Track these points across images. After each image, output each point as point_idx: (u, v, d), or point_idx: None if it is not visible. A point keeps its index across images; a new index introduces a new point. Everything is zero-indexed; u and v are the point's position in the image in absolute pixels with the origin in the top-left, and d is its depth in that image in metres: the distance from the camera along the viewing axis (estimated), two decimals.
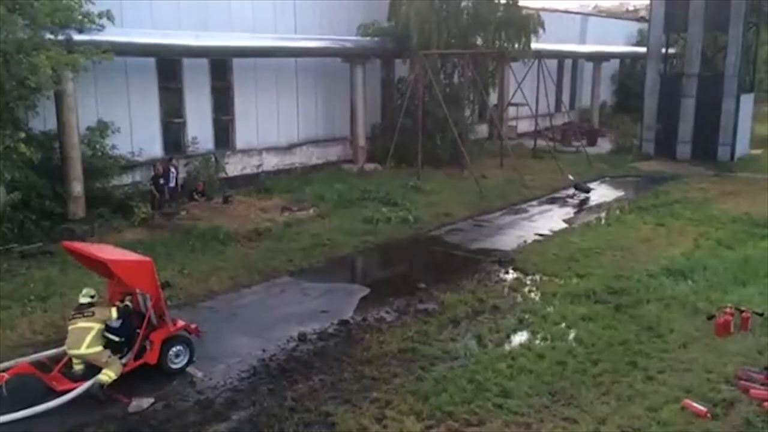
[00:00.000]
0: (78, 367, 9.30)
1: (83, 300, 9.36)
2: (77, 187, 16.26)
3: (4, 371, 8.93)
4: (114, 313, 9.36)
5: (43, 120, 16.10)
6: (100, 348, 9.12)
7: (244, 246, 15.62)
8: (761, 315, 11.05)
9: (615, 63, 41.07)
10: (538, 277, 13.93)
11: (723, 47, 29.28)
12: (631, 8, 51.21)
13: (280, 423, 8.33)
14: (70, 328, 9.22)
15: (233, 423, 8.42)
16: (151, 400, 8.88)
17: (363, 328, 11.29)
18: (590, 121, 37.21)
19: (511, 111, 31.04)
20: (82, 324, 9.12)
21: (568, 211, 20.50)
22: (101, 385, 8.86)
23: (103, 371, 8.95)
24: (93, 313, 9.19)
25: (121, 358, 9.29)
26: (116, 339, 9.39)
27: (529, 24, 26.59)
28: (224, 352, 10.38)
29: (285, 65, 22.33)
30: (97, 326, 9.15)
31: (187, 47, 18.82)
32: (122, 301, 9.68)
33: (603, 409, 8.63)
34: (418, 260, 16.04)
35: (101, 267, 9.58)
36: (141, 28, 17.95)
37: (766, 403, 8.63)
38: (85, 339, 9.04)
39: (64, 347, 9.30)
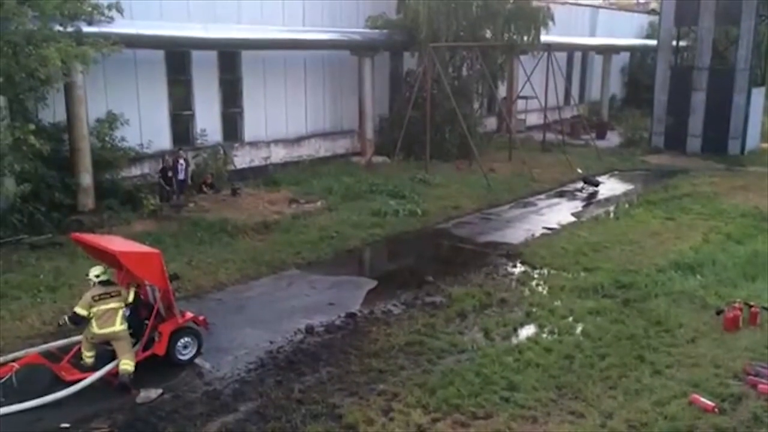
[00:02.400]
0: (89, 360, 9.34)
1: (104, 277, 9.37)
2: (86, 179, 16.34)
3: (13, 361, 8.99)
4: (132, 295, 9.44)
5: (53, 112, 16.15)
6: (126, 326, 9.28)
7: (252, 238, 15.65)
8: None
9: (625, 56, 40.83)
10: (545, 271, 13.90)
11: (734, 40, 29.04)
12: (641, 1, 50.79)
13: (288, 415, 8.36)
14: (101, 308, 9.17)
15: (241, 414, 8.46)
16: (160, 391, 8.93)
17: (370, 321, 11.31)
18: (600, 115, 37.01)
19: (520, 104, 30.90)
20: (113, 304, 9.23)
21: (577, 205, 20.45)
22: (129, 375, 8.95)
23: (123, 361, 9.01)
24: (119, 293, 9.30)
25: None
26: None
27: (538, 16, 26.46)
28: (232, 343, 10.43)
29: (293, 57, 22.30)
30: (122, 305, 9.31)
31: (195, 39, 18.83)
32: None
33: (610, 404, 8.62)
34: (426, 253, 16.04)
35: (110, 258, 9.61)
36: (150, 20, 17.96)
37: None
38: (116, 318, 9.18)
39: (91, 330, 9.21)
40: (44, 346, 9.64)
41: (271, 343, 10.47)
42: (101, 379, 8.93)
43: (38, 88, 14.48)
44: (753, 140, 29.16)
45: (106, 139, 17.18)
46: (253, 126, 21.81)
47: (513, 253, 15.11)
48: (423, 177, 21.67)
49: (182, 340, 9.69)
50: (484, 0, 25.35)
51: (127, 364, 9.01)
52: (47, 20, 14.16)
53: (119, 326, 9.20)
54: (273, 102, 22.21)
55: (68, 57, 13.88)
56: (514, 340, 10.59)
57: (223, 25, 19.74)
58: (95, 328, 9.17)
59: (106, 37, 15.13)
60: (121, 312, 9.26)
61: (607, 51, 37.19)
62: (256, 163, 21.91)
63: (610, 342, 10.34)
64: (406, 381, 9.18)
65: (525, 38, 26.49)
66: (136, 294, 9.60)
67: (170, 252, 13.42)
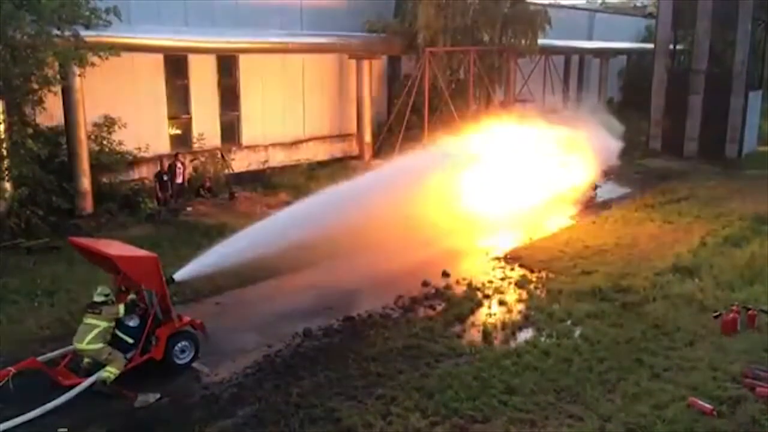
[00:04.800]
0: (88, 362, 9.32)
1: (97, 299, 9.34)
2: (84, 183, 16.31)
3: (10, 366, 8.97)
4: (122, 309, 9.38)
5: (51, 116, 16.12)
6: (100, 345, 9.12)
7: None
8: None
9: (622, 59, 40.85)
10: (544, 274, 13.89)
11: (731, 44, 29.10)
12: (638, 4, 50.89)
13: (286, 419, 8.35)
14: (82, 320, 9.30)
15: (239, 418, 8.45)
16: (157, 395, 8.91)
17: (368, 325, 11.30)
18: None
19: (518, 107, 30.94)
20: (90, 321, 9.20)
21: (575, 209, 20.41)
22: (103, 382, 8.90)
23: (106, 368, 8.98)
24: (100, 312, 9.22)
25: (126, 353, 9.31)
26: (129, 341, 9.39)
27: (536, 20, 26.52)
28: (230, 347, 10.40)
29: (291, 61, 22.30)
30: (103, 324, 9.17)
31: (194, 44, 18.81)
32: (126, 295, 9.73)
33: (608, 407, 8.62)
34: (424, 256, 15.98)
35: (107, 263, 9.61)
36: (148, 24, 17.95)
37: None
38: (87, 335, 9.11)
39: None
40: (47, 356, 9.50)
41: (269, 347, 10.44)
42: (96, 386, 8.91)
43: (36, 91, 14.46)
44: (750, 143, 29.21)
45: (104, 143, 17.17)
46: (251, 129, 21.78)
47: (511, 257, 15.10)
48: None
49: (179, 344, 9.66)
50: (482, 4, 25.41)
51: (107, 371, 8.96)
52: (45, 24, 14.14)
53: (85, 345, 9.09)
54: (271, 105, 22.20)
55: (66, 60, 13.87)
56: (513, 344, 10.58)
57: (222, 29, 19.73)
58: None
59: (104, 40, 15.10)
60: (96, 330, 9.10)
61: (605, 54, 37.25)
62: (254, 166, 21.85)
63: (609, 345, 10.34)
64: (404, 385, 9.17)
65: (522, 42, 26.53)
66: (129, 299, 9.56)
67: (168, 256, 13.35)
